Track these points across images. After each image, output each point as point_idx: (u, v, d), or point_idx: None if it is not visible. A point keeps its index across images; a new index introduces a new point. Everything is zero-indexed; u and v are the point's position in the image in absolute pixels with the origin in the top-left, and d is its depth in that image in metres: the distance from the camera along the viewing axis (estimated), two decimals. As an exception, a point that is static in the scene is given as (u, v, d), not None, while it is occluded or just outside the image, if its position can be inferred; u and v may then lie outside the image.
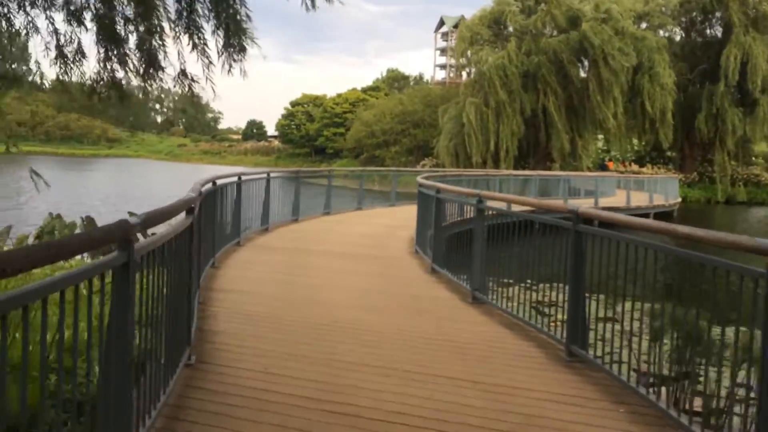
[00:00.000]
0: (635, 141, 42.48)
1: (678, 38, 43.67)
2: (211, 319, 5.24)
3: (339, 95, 78.03)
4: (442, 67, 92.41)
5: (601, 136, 43.75)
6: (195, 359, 4.20)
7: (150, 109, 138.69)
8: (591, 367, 4.32)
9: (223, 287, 6.52)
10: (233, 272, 7.40)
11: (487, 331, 5.31)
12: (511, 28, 42.82)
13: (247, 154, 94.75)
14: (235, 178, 9.38)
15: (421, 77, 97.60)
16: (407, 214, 16.12)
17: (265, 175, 11.27)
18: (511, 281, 6.12)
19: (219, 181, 8.01)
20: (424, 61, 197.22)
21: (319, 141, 74.72)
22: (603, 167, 43.42)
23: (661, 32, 42.00)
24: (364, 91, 79.82)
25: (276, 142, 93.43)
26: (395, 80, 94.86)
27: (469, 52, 42.39)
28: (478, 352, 4.72)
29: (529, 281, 6.00)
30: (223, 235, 8.69)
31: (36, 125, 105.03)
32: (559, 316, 5.00)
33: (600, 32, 37.69)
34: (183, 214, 4.04)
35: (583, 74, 40.91)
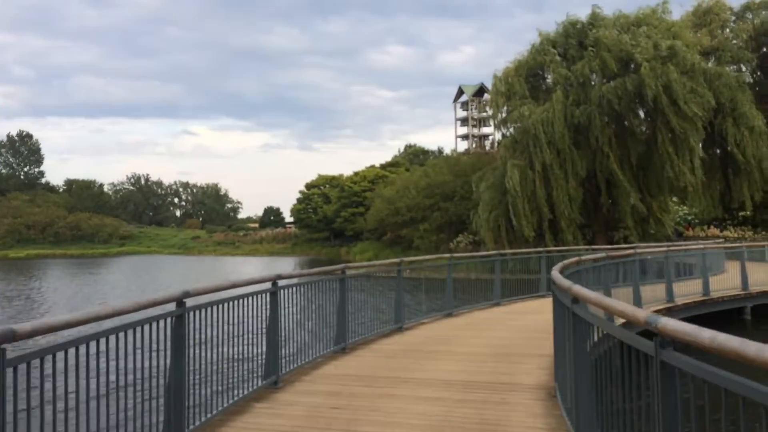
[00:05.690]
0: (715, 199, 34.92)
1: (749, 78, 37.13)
2: None
3: (356, 173, 72.37)
4: (464, 137, 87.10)
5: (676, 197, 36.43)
6: None
7: (169, 203, 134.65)
8: None
9: None
10: None
11: None
12: (550, 80, 36.66)
13: (262, 243, 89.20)
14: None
15: (441, 151, 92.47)
16: (522, 320, 9.34)
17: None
18: None
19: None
20: (438, 138, 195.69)
21: (337, 223, 68.48)
22: (679, 234, 36.05)
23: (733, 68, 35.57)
24: (383, 167, 74.12)
25: (293, 229, 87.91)
26: (415, 155, 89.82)
27: (505, 108, 36.16)
28: None
29: None
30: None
31: (45, 227, 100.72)
32: None
33: (664, 73, 31.28)
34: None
35: (646, 123, 34.31)
